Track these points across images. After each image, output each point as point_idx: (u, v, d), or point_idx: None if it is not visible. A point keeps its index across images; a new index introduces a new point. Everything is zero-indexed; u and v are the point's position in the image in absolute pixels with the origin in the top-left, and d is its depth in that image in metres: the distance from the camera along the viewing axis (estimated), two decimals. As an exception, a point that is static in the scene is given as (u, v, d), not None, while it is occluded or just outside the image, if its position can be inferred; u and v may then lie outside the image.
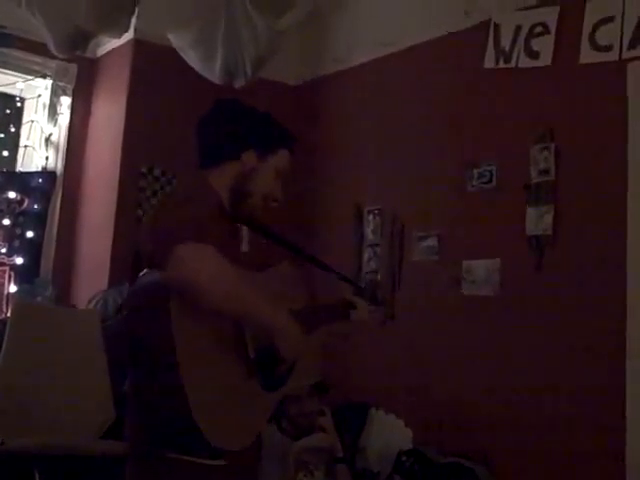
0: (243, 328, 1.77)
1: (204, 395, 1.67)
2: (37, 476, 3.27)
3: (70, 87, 4.57)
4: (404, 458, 3.21)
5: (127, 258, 4.24)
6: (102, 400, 3.60)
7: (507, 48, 3.58)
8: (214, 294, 1.66)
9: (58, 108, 4.57)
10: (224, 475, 1.77)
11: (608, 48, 3.22)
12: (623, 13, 3.17)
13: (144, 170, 4.34)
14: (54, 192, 4.52)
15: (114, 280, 4.16)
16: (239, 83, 4.16)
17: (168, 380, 1.65)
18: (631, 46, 3.15)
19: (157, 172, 4.37)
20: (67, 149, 4.58)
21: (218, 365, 1.73)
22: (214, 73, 4.09)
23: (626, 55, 3.16)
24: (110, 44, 4.50)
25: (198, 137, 2.02)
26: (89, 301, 4.15)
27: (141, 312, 1.76)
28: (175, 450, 1.73)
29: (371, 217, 4.08)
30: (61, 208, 4.54)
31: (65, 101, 4.57)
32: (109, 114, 4.52)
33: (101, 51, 4.61)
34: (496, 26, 3.63)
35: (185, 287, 1.65)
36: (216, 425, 1.68)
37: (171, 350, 1.63)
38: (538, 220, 3.34)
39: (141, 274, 1.78)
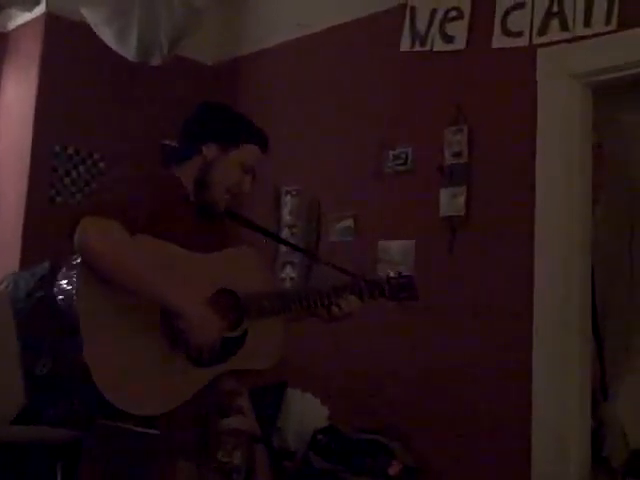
0: None
1: (107, 361, 1.76)
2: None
3: (-22, 62, 4.42)
4: (320, 436, 3.25)
5: (39, 239, 4.16)
6: (13, 386, 3.52)
7: (423, 31, 3.62)
8: (103, 261, 1.80)
9: (-35, 83, 4.41)
10: (157, 444, 1.86)
11: (519, 34, 3.30)
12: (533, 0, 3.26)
13: (57, 149, 4.22)
14: (-39, 171, 4.37)
15: (25, 262, 4.05)
16: (155, 61, 4.08)
17: (72, 350, 1.76)
18: (541, 32, 3.24)
19: (71, 150, 4.26)
20: (-25, 126, 4.43)
21: (129, 335, 1.81)
22: (129, 50, 4.00)
23: (536, 41, 3.25)
24: (21, 18, 4.34)
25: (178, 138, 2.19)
26: (-1, 283, 4.04)
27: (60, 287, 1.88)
28: (103, 416, 1.84)
29: (289, 198, 4.09)
30: (-31, 188, 4.39)
31: (-27, 76, 4.42)
32: (20, 91, 4.37)
33: (11, 25, 4.45)
34: (412, 9, 3.67)
35: (81, 251, 1.81)
36: (124, 392, 1.77)
37: (76, 319, 1.75)
38: (451, 201, 3.41)
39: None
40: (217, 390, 2.06)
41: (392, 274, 2.24)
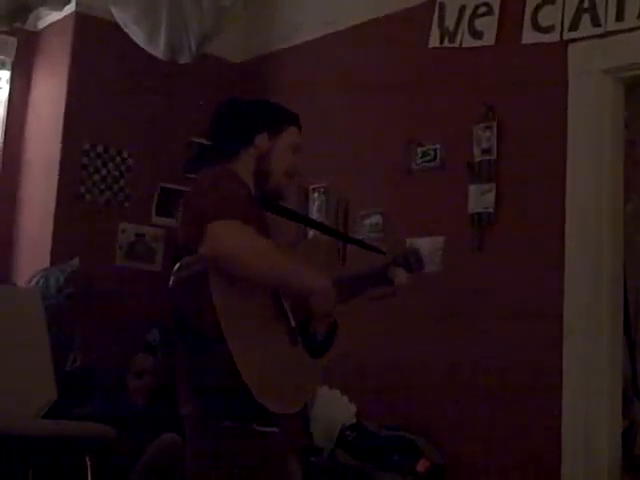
0: (282, 299, 1.91)
1: (253, 361, 1.76)
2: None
3: (9, 60, 4.45)
4: (347, 432, 3.25)
5: (69, 236, 4.20)
6: (44, 380, 3.55)
7: (451, 28, 3.61)
8: (255, 266, 1.81)
9: (-3, 82, 4.47)
10: (277, 442, 1.89)
11: (549, 29, 3.27)
12: (564, -6, 3.23)
13: (86, 147, 4.26)
14: (-7, 168, 4.42)
15: (56, 258, 4.09)
16: (184, 59, 4.10)
17: (216, 350, 1.75)
18: (572, 28, 3.21)
19: (100, 149, 4.30)
20: (6, 124, 4.47)
21: (262, 334, 1.84)
22: (158, 48, 4.03)
23: (567, 36, 3.22)
24: (51, 17, 4.39)
25: (211, 138, 2.23)
26: (30, 279, 4.08)
27: (186, 290, 1.85)
28: (229, 418, 1.84)
29: (316, 195, 4.09)
30: (0, 184, 4.44)
31: (4, 75, 4.46)
32: (50, 89, 4.42)
33: (42, 24, 4.50)
34: (441, 5, 3.65)
35: (225, 262, 1.78)
36: (268, 390, 1.77)
37: (216, 323, 1.73)
38: (480, 198, 3.40)
39: (178, 264, 1.88)
40: None
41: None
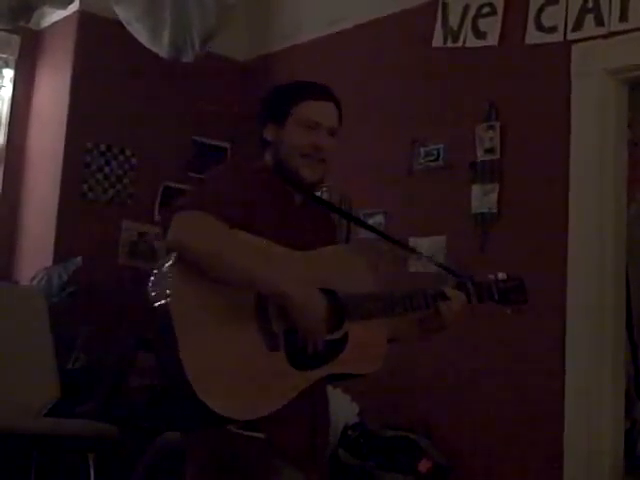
0: (267, 301, 1.76)
1: (201, 357, 1.66)
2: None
3: (13, 59, 4.47)
4: (349, 432, 3.25)
5: (72, 234, 4.19)
6: (47, 378, 3.56)
7: (455, 27, 3.60)
8: (209, 263, 1.70)
9: (0, 80, 4.46)
10: (267, 448, 1.78)
11: (553, 29, 3.27)
12: (568, -5, 3.23)
13: (90, 145, 4.27)
14: (-4, 166, 4.43)
15: (59, 256, 4.10)
16: (187, 58, 4.11)
17: (167, 349, 1.66)
18: (575, 28, 3.20)
19: (103, 147, 4.30)
20: (10, 122, 4.47)
21: (224, 331, 1.71)
22: (161, 47, 4.03)
23: (570, 36, 3.22)
24: (54, 16, 4.40)
25: None
26: (33, 278, 4.09)
27: (152, 280, 1.77)
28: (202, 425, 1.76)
29: (319, 194, 4.08)
30: (4, 183, 4.45)
31: (7, 73, 4.47)
32: (53, 88, 4.43)
33: (45, 23, 4.51)
34: (444, 5, 3.65)
35: (182, 254, 1.70)
36: (214, 389, 1.67)
37: (167, 314, 1.66)
38: (483, 198, 3.40)
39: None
40: (324, 394, 1.96)
41: (500, 276, 2.07)
